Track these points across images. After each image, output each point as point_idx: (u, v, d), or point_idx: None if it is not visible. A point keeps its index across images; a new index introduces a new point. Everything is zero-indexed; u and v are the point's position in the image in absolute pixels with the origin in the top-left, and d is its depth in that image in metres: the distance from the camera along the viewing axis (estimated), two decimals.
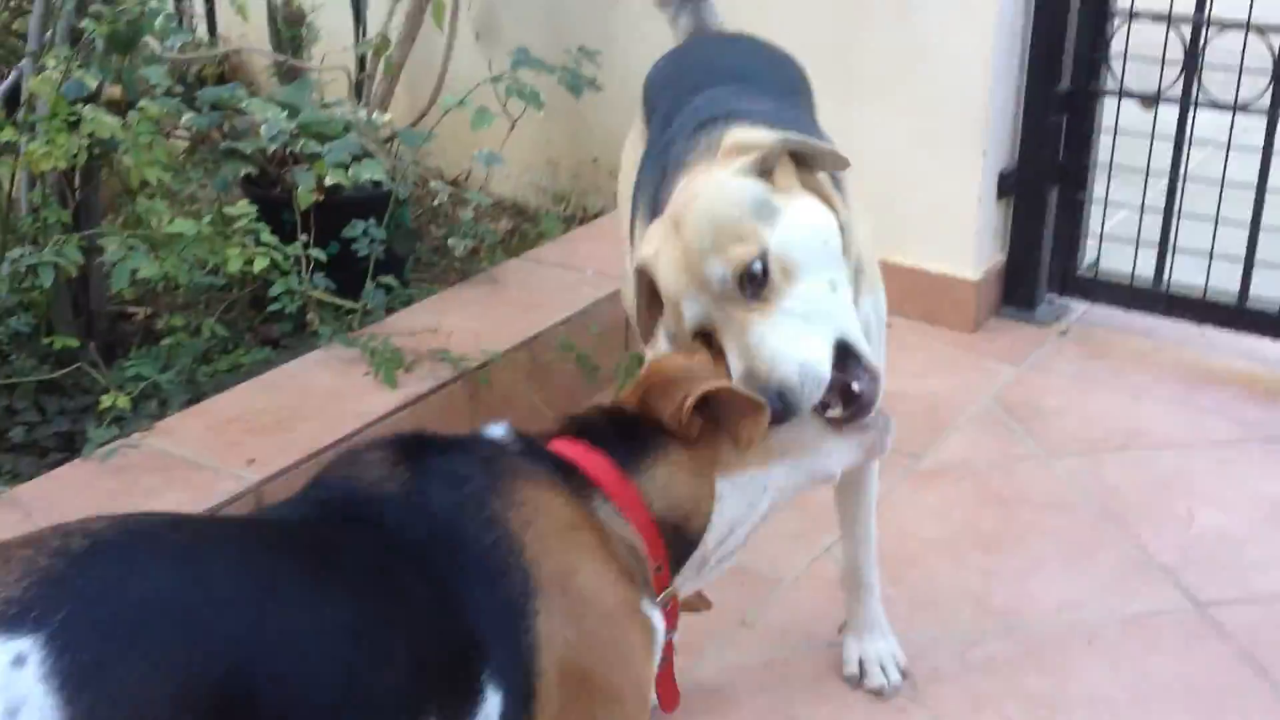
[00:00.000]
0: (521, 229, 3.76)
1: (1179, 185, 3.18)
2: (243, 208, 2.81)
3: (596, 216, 3.69)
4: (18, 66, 2.91)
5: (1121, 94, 3.21)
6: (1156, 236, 3.23)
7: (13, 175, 2.76)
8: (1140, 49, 3.17)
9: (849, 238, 1.68)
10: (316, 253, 2.86)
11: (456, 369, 2.70)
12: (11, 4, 3.42)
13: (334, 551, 1.24)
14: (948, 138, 3.24)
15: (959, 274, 3.34)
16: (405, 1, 3.56)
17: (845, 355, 1.62)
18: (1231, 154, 3.08)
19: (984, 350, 3.29)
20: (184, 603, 1.09)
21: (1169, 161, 3.17)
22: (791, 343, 1.57)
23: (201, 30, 4.34)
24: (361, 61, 3.73)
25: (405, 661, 1.20)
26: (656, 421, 1.48)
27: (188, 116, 3.10)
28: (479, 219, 3.44)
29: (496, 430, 1.46)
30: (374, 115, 3.32)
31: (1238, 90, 3.04)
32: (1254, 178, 3.07)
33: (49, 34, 2.85)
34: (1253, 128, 3.05)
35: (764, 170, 1.64)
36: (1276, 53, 2.98)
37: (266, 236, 2.76)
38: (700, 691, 2.17)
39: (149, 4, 2.73)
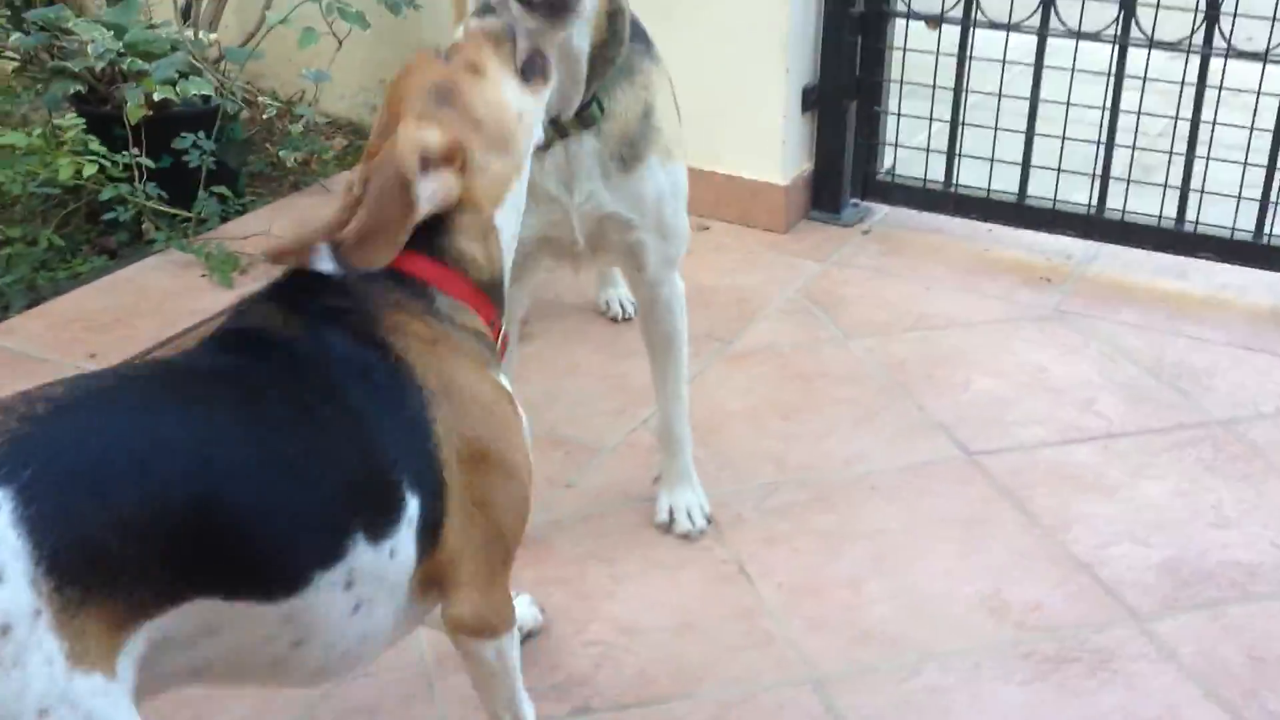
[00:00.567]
0: (357, 145, 3.87)
1: (963, 98, 3.49)
2: (72, 120, 2.89)
3: None
4: None
5: (910, 15, 3.50)
6: (945, 145, 3.54)
7: None
8: None
9: None
10: (145, 161, 2.95)
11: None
12: None
13: (261, 393, 1.43)
14: (755, 57, 3.50)
15: (770, 180, 3.61)
16: None
17: None
18: (1008, 70, 3.40)
19: (793, 249, 3.57)
20: (140, 451, 1.27)
21: (954, 76, 3.48)
22: None
23: None
24: None
25: (334, 484, 1.42)
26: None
27: (15, 36, 3.15)
28: (312, 134, 3.56)
29: (325, 264, 1.53)
30: (201, 35, 3.40)
31: (1010, 12, 3.36)
32: (1028, 91, 3.39)
33: None
34: (1029, 46, 3.38)
35: None
36: None
37: (96, 146, 2.85)
38: (524, 547, 2.37)
39: None
